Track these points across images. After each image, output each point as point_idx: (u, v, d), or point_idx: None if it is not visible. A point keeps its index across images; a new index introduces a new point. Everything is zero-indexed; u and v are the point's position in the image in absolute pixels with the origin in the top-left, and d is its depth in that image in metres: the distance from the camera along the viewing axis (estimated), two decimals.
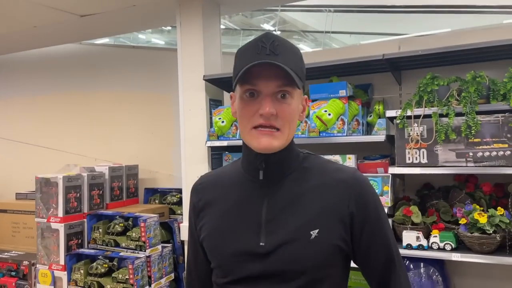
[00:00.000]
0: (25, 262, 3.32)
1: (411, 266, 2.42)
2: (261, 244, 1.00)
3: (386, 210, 2.35)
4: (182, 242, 3.19)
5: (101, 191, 3.32)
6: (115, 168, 3.52)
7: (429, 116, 2.28)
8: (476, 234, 2.15)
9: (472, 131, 2.16)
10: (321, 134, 2.52)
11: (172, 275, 3.12)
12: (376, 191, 2.36)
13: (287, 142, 1.03)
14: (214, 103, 3.08)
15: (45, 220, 3.06)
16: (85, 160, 4.11)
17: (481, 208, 2.23)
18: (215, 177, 1.17)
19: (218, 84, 3.05)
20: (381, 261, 1.04)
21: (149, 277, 2.87)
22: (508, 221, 2.12)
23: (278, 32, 7.21)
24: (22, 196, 3.98)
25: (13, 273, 3.40)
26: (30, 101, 4.63)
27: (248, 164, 1.07)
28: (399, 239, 2.39)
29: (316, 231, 0.98)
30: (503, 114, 2.13)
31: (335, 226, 1.00)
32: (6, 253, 3.54)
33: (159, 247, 2.98)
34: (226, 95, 3.20)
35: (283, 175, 1.05)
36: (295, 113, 1.02)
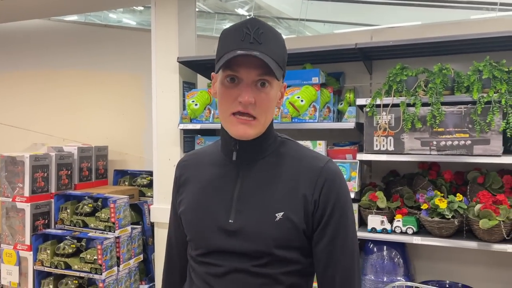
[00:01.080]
0: None
1: (375, 249, 2.53)
2: (230, 221, 1.05)
3: (352, 195, 2.43)
4: (152, 224, 3.19)
5: (69, 172, 3.26)
6: (84, 148, 3.47)
7: (397, 105, 2.36)
8: (436, 218, 2.27)
9: (437, 121, 2.25)
10: (293, 120, 2.57)
11: (141, 256, 3.13)
12: (345, 178, 2.44)
13: (262, 130, 1.06)
14: (188, 85, 3.07)
15: (10, 200, 2.99)
16: (53, 140, 4.02)
17: (442, 194, 2.34)
18: (197, 155, 1.22)
19: (192, 67, 3.04)
20: (329, 252, 1.05)
21: (118, 258, 2.87)
22: (466, 207, 2.24)
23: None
24: None
25: None
26: None
27: (224, 145, 1.12)
28: (364, 223, 2.48)
29: (281, 213, 1.02)
30: (466, 106, 2.23)
31: (300, 211, 1.03)
32: None
33: (129, 228, 2.98)
34: (200, 78, 3.19)
35: (257, 157, 1.09)
36: (273, 101, 1.05)
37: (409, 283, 2.25)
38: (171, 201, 1.25)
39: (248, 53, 0.97)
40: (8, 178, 3.00)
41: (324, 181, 1.04)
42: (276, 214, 1.02)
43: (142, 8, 6.30)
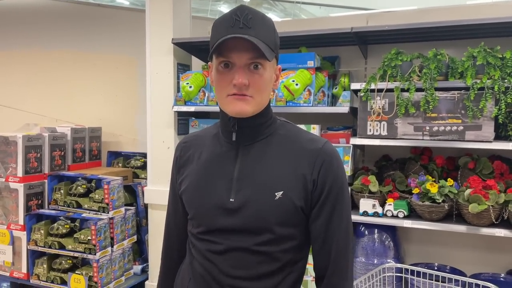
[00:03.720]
0: None
1: (366, 232, 2.57)
2: (231, 200, 1.09)
3: None
4: (146, 205, 3.21)
5: (62, 152, 3.26)
6: (77, 129, 3.46)
7: (391, 90, 2.37)
8: (426, 203, 2.30)
9: (430, 106, 2.27)
10: (287, 104, 2.57)
11: (135, 237, 3.15)
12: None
13: (259, 108, 1.10)
14: (182, 67, 3.05)
15: (3, 180, 2.99)
16: (46, 121, 4.00)
17: (433, 179, 2.37)
18: (197, 137, 1.26)
19: (187, 49, 3.01)
20: (324, 231, 1.10)
21: (112, 238, 2.90)
22: (456, 191, 2.28)
23: (248, 0, 7.09)
24: None
25: None
26: None
27: (224, 126, 1.16)
28: (356, 207, 2.52)
29: (281, 192, 1.07)
30: (459, 92, 2.24)
31: (299, 191, 1.08)
32: None
33: (122, 209, 2.99)
34: (195, 60, 3.17)
35: (256, 138, 1.13)
36: (267, 82, 1.09)
37: (398, 265, 2.29)
38: (171, 181, 1.28)
39: (237, 36, 1.01)
40: (1, 158, 2.99)
41: (322, 162, 1.09)
42: (276, 193, 1.07)
43: None
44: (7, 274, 3.03)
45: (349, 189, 2.52)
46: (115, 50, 3.84)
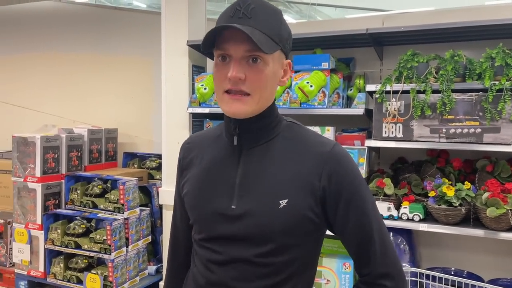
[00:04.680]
0: (1, 221, 3.31)
1: None
2: (232, 206, 1.03)
3: None
4: (160, 206, 3.24)
5: (79, 153, 3.30)
6: (94, 130, 3.50)
7: (407, 92, 2.34)
8: (443, 206, 2.27)
9: (447, 108, 2.23)
10: (302, 105, 2.56)
11: (150, 237, 3.18)
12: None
13: (259, 108, 1.02)
14: (197, 69, 3.07)
15: (22, 180, 3.04)
16: (63, 122, 4.06)
17: (450, 182, 2.33)
18: (201, 138, 1.19)
19: (201, 50, 3.03)
20: (358, 236, 1.03)
21: (127, 238, 2.92)
22: (473, 195, 2.24)
23: None
24: None
25: None
26: (7, 60, 4.49)
27: (227, 128, 1.09)
28: None
29: (285, 201, 0.99)
30: (477, 93, 2.21)
31: (306, 198, 1.00)
32: None
33: (137, 210, 3.02)
34: (209, 62, 3.19)
35: (259, 141, 1.05)
36: (269, 78, 0.99)
37: (414, 269, 2.26)
38: (176, 184, 1.25)
39: (228, 25, 0.93)
40: (20, 158, 3.05)
41: (332, 167, 1.00)
42: (280, 201, 0.99)
43: None
44: (25, 272, 3.08)
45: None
46: (131, 52, 3.88)
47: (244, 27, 0.92)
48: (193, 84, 2.98)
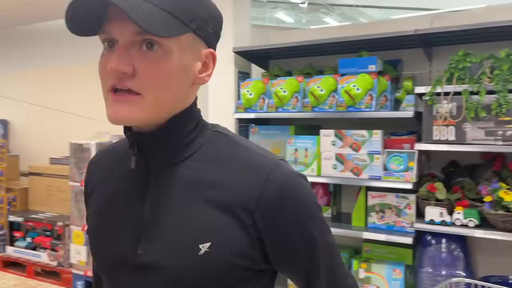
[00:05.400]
0: (59, 223, 3.50)
1: (433, 241, 2.46)
2: (138, 251, 0.76)
3: (410, 186, 2.37)
4: None
5: None
6: None
7: (458, 93, 2.27)
8: (500, 212, 2.17)
9: (503, 110, 2.14)
10: (348, 109, 2.54)
11: None
12: (403, 168, 2.38)
13: (158, 114, 0.74)
14: (242, 75, 3.12)
15: (79, 184, 3.20)
16: (116, 128, 4.22)
17: (507, 187, 2.23)
18: (108, 154, 0.91)
19: (246, 57, 3.08)
20: (305, 275, 0.80)
21: None
22: None
23: (305, 5, 7.08)
24: (56, 161, 4.16)
25: (47, 233, 3.60)
26: (65, 70, 4.76)
27: (130, 144, 0.79)
28: (421, 215, 2.42)
29: (208, 244, 0.73)
30: None
31: (234, 237, 0.74)
32: (41, 214, 3.73)
33: None
34: (254, 68, 3.23)
35: (172, 160, 0.77)
36: (172, 72, 0.72)
37: (467, 280, 2.17)
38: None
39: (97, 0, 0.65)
40: (77, 164, 3.22)
41: (270, 195, 0.74)
42: (201, 246, 0.73)
43: None
44: (82, 273, 3.23)
45: (414, 196, 2.44)
46: None
47: (117, 1, 0.63)
48: (238, 90, 3.03)
